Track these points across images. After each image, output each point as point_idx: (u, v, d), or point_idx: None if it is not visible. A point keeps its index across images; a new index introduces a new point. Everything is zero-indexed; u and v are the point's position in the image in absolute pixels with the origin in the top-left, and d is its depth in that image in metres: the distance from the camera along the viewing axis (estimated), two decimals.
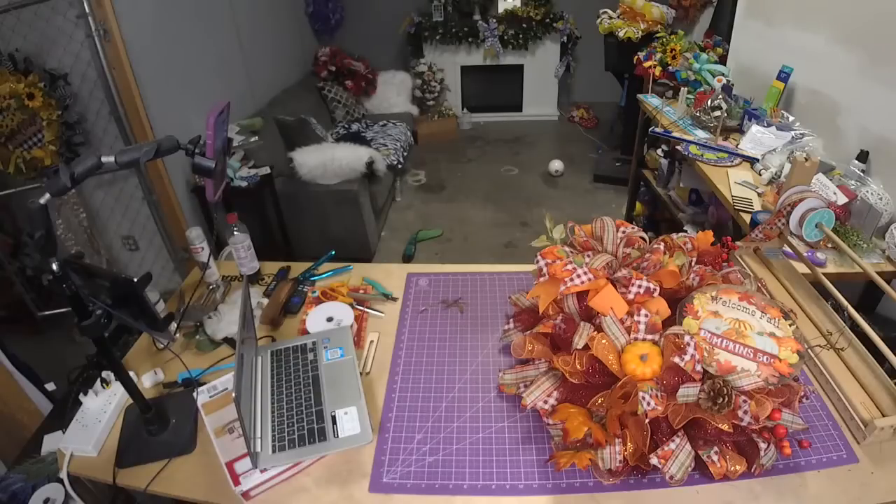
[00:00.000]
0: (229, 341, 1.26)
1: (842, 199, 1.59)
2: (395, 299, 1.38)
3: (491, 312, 1.32)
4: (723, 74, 2.45)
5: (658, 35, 2.89)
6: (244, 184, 2.60)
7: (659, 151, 2.75)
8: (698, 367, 0.85)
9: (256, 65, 3.36)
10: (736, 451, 0.87)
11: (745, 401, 0.82)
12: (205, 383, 1.13)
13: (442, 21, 4.62)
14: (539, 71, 4.85)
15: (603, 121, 4.88)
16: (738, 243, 1.33)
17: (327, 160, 2.81)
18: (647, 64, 2.73)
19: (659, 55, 2.72)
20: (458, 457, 0.98)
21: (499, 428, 1.03)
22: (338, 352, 1.15)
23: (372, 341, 1.25)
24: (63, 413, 1.10)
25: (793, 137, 1.96)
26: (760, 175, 1.90)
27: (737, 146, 2.08)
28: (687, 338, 0.87)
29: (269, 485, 0.94)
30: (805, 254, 1.39)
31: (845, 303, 1.11)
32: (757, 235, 1.32)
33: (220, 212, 2.34)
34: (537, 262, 1.03)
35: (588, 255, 1.05)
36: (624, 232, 1.10)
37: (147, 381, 1.17)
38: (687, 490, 0.90)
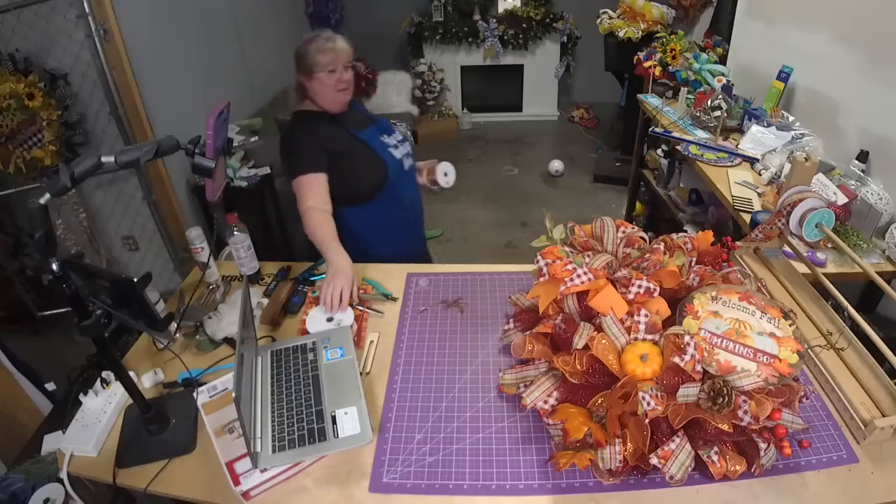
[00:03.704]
0: (229, 341, 1.26)
1: (842, 199, 1.59)
2: (395, 299, 1.38)
3: (491, 312, 1.32)
4: (723, 74, 2.44)
5: (658, 35, 2.89)
6: (244, 184, 2.60)
7: (659, 151, 2.75)
8: (698, 367, 0.85)
9: (256, 65, 3.36)
10: (736, 451, 0.87)
11: (745, 401, 0.82)
12: (205, 383, 1.12)
13: (442, 21, 4.62)
14: (539, 71, 4.85)
15: (603, 121, 4.88)
16: (738, 243, 1.33)
17: None
18: (647, 64, 2.73)
19: (659, 55, 2.72)
20: (458, 457, 0.98)
21: (499, 428, 1.03)
22: (338, 352, 1.15)
23: (372, 341, 1.25)
24: (63, 413, 1.10)
25: (793, 137, 1.96)
26: (760, 175, 1.90)
27: (737, 146, 2.08)
28: (687, 338, 0.87)
29: (269, 485, 0.94)
30: (805, 254, 1.39)
31: (845, 303, 1.11)
32: (757, 235, 1.32)
33: (220, 212, 2.34)
34: (537, 262, 1.03)
35: (588, 255, 1.05)
36: (624, 232, 1.10)
37: (147, 381, 1.17)
38: (687, 490, 0.90)
